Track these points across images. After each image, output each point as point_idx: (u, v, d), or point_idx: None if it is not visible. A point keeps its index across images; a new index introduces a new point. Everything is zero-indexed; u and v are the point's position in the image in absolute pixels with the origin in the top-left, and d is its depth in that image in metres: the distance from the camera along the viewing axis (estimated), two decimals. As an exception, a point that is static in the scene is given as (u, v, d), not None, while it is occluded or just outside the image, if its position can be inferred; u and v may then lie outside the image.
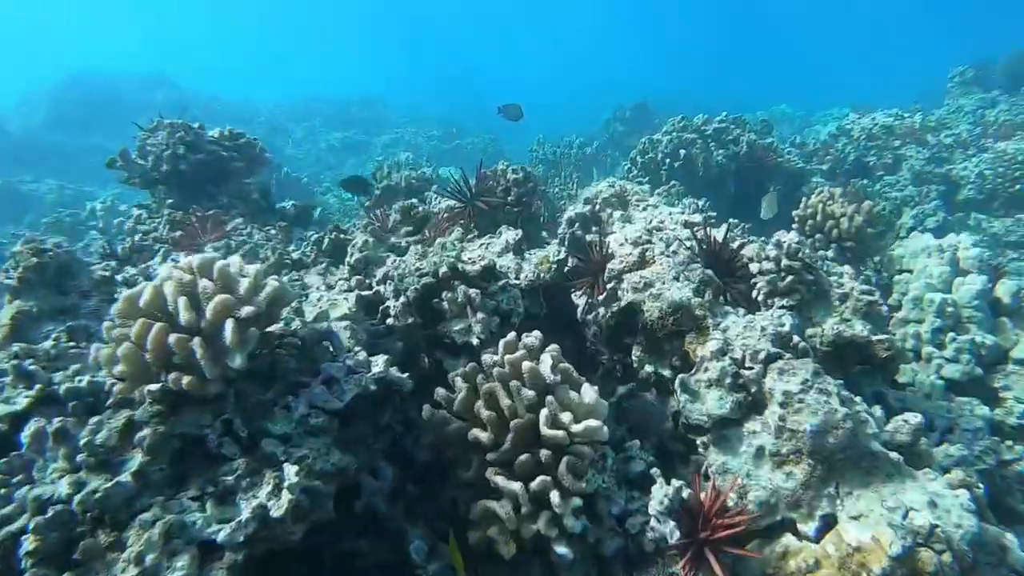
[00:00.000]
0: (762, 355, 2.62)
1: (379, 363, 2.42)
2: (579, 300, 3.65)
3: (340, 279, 3.18)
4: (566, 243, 3.57)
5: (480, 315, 2.76)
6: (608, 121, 16.31)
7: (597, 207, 3.85)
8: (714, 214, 4.80)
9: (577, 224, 3.58)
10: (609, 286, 3.23)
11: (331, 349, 2.44)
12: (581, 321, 3.56)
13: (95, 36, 47.71)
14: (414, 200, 4.57)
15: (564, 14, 60.14)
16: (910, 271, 3.93)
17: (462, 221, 4.27)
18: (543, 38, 56.39)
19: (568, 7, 60.37)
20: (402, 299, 2.84)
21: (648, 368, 2.90)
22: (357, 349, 2.46)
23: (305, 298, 3.00)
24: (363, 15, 56.10)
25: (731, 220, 4.45)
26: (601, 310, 3.29)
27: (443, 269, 2.83)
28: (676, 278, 2.95)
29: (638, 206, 4.74)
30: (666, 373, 2.87)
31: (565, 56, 49.28)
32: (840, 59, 43.68)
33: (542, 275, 3.74)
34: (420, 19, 57.28)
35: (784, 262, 2.90)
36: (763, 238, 4.28)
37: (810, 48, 47.24)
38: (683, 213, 3.94)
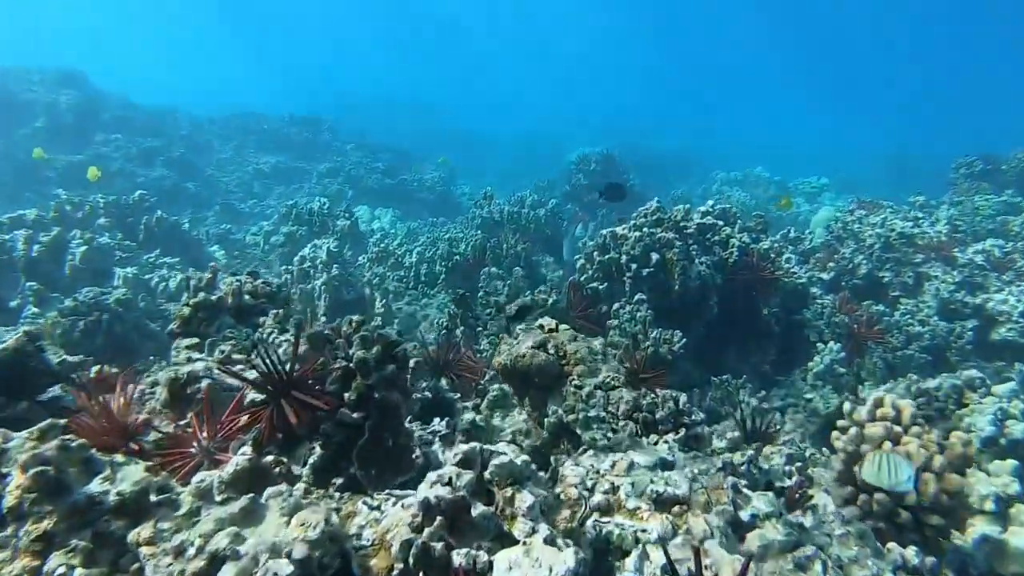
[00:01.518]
0: None
1: None
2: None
3: None
4: (413, 559, 1.71)
5: None
6: (571, 172, 14.69)
7: (490, 474, 1.98)
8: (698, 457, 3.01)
9: (439, 521, 1.73)
10: None
11: None
12: None
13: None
14: (197, 368, 2.66)
15: (537, 45, 59.32)
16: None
17: (260, 425, 2.38)
18: (513, 66, 55.32)
19: (541, 39, 59.60)
20: None
21: None
22: None
23: None
24: (314, 26, 54.09)
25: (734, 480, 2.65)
26: None
27: None
28: None
29: (579, 392, 2.94)
30: None
31: (533, 87, 48.13)
32: (809, 121, 43.58)
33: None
34: (376, 37, 55.59)
35: None
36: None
37: (781, 109, 47.13)
38: (653, 474, 2.13)
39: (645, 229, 5.16)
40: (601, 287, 5.24)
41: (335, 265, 6.20)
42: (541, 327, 3.41)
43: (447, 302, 6.34)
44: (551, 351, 3.02)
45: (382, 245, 8.49)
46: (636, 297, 4.93)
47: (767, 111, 45.60)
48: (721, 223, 5.50)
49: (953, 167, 10.26)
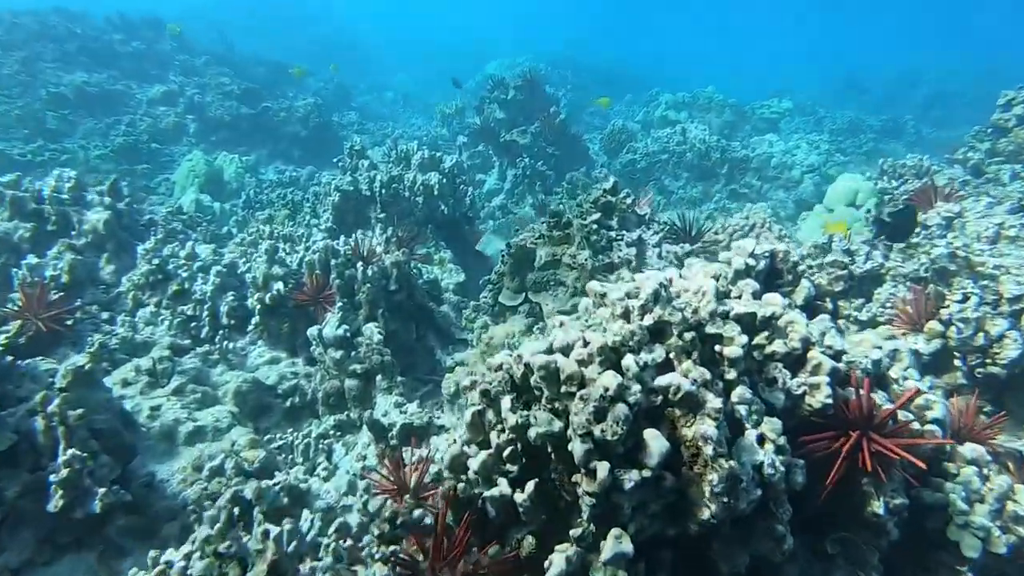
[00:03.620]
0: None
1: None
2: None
3: None
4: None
5: None
6: (483, 101, 11.16)
7: None
8: None
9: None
10: None
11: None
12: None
13: None
14: None
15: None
16: None
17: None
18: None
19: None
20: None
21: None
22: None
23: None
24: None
25: None
26: None
27: None
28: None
29: None
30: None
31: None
32: (751, 35, 40.43)
33: None
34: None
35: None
36: None
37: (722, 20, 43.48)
38: None
39: (632, 356, 2.03)
40: (523, 499, 2.14)
41: None
42: None
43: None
44: None
45: (157, 260, 5.02)
46: (612, 553, 1.89)
47: (707, 22, 42.06)
48: (779, 312, 2.42)
49: (1000, 104, 7.46)
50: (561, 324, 2.52)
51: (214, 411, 3.85)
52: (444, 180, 6.63)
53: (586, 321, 2.59)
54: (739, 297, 2.49)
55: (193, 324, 4.72)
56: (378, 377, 3.86)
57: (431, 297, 6.01)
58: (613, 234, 4.51)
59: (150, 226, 5.80)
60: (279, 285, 4.61)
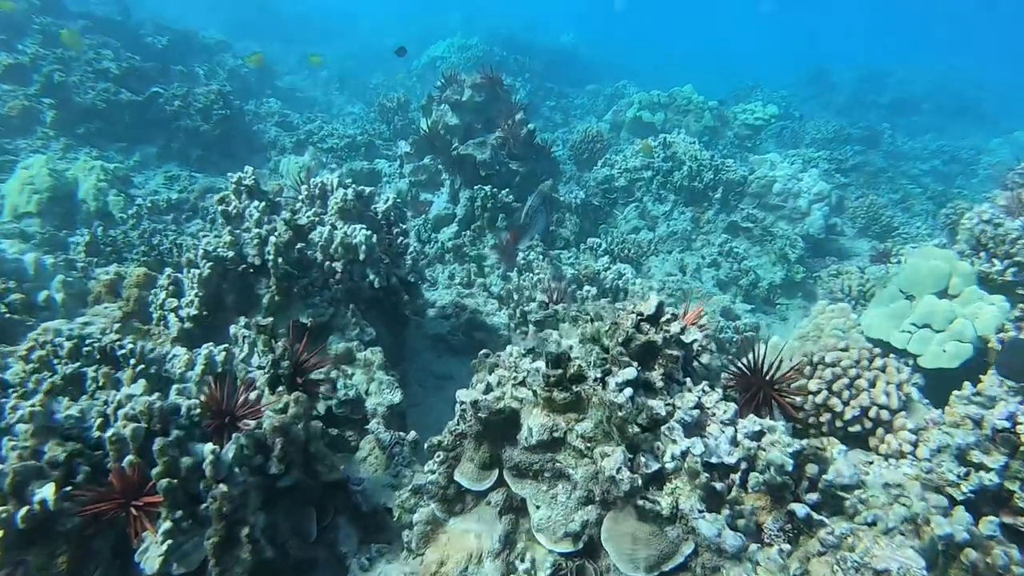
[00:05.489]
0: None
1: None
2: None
3: None
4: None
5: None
6: (429, 102, 8.95)
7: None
8: None
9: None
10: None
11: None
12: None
13: None
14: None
15: None
16: None
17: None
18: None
19: None
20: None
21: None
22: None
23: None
24: None
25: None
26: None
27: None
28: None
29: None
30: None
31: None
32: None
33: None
34: None
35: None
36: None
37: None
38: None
39: None
40: None
41: None
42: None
43: None
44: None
45: None
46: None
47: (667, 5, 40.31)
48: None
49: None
50: None
51: None
52: (374, 237, 4.55)
53: None
54: None
55: None
56: None
57: (352, 422, 4.00)
58: (660, 408, 2.58)
59: None
60: (47, 491, 2.49)
